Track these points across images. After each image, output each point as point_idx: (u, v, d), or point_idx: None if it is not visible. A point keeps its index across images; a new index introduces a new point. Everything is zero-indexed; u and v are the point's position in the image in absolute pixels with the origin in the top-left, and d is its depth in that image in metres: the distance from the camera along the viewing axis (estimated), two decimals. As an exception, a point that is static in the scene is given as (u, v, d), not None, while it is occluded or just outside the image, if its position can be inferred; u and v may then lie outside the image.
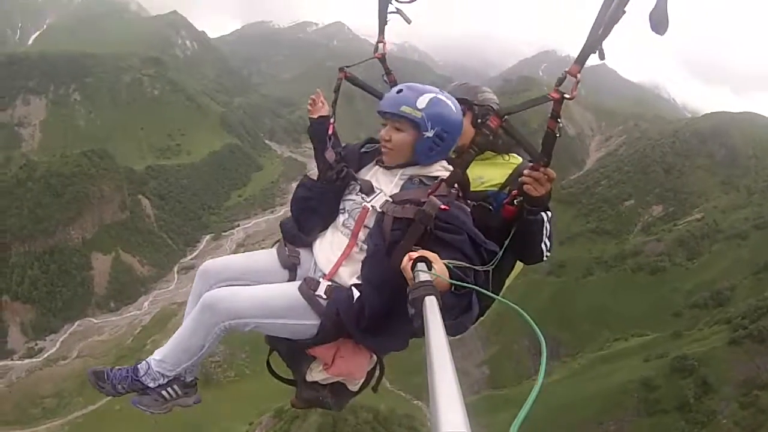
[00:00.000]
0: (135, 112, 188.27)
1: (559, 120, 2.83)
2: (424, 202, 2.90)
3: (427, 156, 3.14)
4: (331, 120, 3.76)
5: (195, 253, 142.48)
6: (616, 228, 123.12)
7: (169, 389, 3.24)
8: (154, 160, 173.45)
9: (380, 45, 3.88)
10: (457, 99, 3.22)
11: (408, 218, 2.92)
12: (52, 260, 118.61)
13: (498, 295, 3.08)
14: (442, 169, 3.19)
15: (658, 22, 2.37)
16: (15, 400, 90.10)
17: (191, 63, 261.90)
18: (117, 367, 3.26)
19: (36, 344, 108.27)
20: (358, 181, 3.30)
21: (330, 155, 3.51)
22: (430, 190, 3.00)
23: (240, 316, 2.96)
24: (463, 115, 3.31)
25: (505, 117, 3.04)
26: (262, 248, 3.66)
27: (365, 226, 3.14)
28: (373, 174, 3.34)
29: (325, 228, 3.39)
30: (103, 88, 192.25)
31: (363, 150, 3.55)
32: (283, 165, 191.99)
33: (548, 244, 3.44)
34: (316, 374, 3.26)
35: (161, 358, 3.16)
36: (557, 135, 2.90)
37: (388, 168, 3.24)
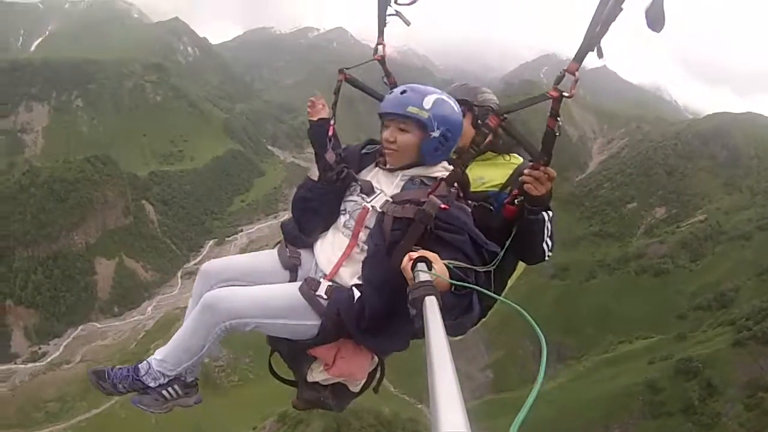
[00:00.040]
0: (138, 118, 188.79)
1: (558, 118, 2.82)
2: (425, 202, 2.90)
3: (432, 156, 3.14)
4: (332, 122, 3.75)
5: (198, 259, 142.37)
6: (619, 231, 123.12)
7: (169, 389, 3.23)
8: (157, 165, 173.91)
9: (380, 47, 3.88)
10: (457, 100, 3.22)
11: (408, 218, 2.91)
12: (55, 265, 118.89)
13: (500, 295, 3.09)
14: (443, 170, 3.19)
15: (655, 19, 2.37)
16: (18, 404, 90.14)
17: (193, 69, 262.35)
18: (118, 367, 3.26)
19: (39, 348, 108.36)
20: (359, 182, 3.29)
21: (330, 156, 3.50)
22: (430, 190, 3.00)
23: (240, 316, 2.96)
24: (463, 116, 3.31)
25: (504, 116, 3.05)
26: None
27: (366, 227, 3.13)
28: (373, 175, 3.34)
29: (326, 229, 3.38)
30: (106, 94, 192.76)
31: (363, 151, 3.55)
32: (286, 170, 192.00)
33: (550, 243, 3.43)
34: (316, 375, 3.25)
35: (162, 358, 3.16)
36: (557, 134, 2.89)
37: (390, 170, 3.24)
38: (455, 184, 3.07)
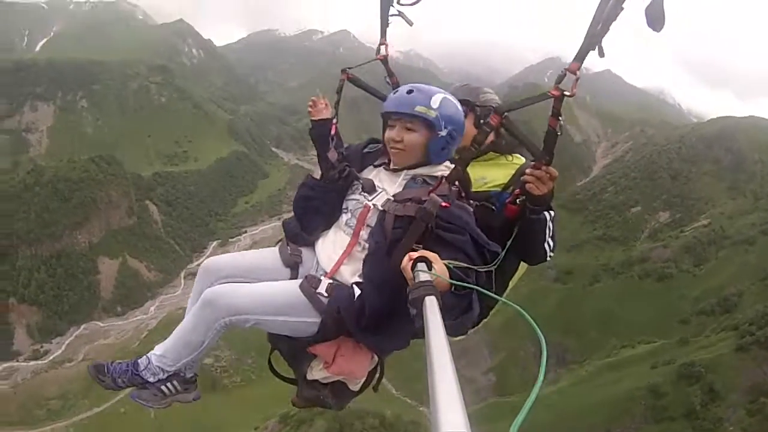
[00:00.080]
0: (142, 119, 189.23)
1: (560, 117, 2.82)
2: (426, 200, 2.90)
3: (439, 156, 3.15)
4: (334, 121, 3.77)
5: (202, 259, 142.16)
6: (623, 235, 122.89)
7: (168, 384, 3.25)
8: (162, 166, 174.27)
9: (382, 47, 3.88)
10: (459, 100, 3.23)
11: (409, 216, 2.91)
12: (59, 264, 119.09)
13: (502, 296, 3.09)
14: (445, 169, 3.18)
15: (655, 18, 2.37)
16: (20, 402, 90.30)
17: (198, 71, 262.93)
18: (117, 361, 3.28)
19: (42, 346, 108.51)
20: (361, 181, 3.30)
21: (332, 155, 3.53)
22: (431, 189, 3.00)
23: (240, 313, 2.96)
24: (465, 116, 3.32)
25: (505, 114, 3.07)
26: None
27: (367, 225, 3.14)
28: (375, 174, 3.35)
29: (328, 228, 3.39)
30: (111, 95, 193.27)
31: (365, 150, 3.57)
32: (290, 172, 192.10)
33: (551, 243, 3.41)
34: (316, 372, 3.24)
35: (162, 353, 3.17)
36: (559, 133, 2.89)
37: (394, 170, 3.25)
38: (456, 183, 3.06)
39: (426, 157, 3.15)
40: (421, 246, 2.77)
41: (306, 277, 3.13)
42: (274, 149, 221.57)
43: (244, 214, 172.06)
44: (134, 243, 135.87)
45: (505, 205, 3.37)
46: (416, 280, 2.32)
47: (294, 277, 3.30)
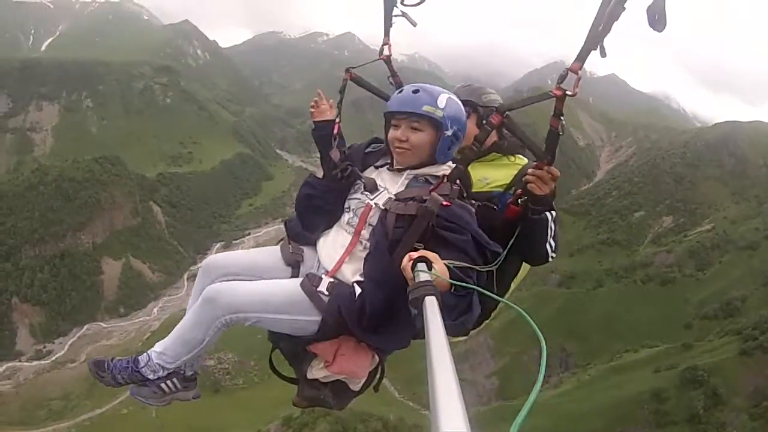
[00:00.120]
0: (147, 120, 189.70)
1: (561, 117, 2.82)
2: (427, 199, 2.90)
3: (445, 155, 3.16)
4: (337, 120, 3.76)
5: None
6: (626, 239, 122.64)
7: (168, 382, 3.25)
8: (166, 167, 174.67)
9: (386, 47, 3.86)
10: (461, 101, 3.23)
11: (411, 215, 2.91)
12: (62, 264, 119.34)
13: (504, 297, 3.08)
14: (447, 169, 3.17)
15: (657, 18, 2.37)
16: (22, 402, 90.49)
17: (203, 72, 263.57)
18: (118, 358, 3.28)
19: (44, 347, 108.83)
20: (363, 180, 3.29)
21: (335, 154, 3.51)
22: (432, 187, 3.00)
23: (241, 311, 2.96)
24: (468, 116, 3.33)
25: (507, 113, 3.07)
26: None
27: (369, 224, 3.13)
28: (378, 174, 3.35)
29: (330, 227, 3.37)
30: (116, 95, 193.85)
31: (368, 150, 3.55)
32: (294, 174, 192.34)
33: (553, 244, 3.39)
34: (316, 371, 3.23)
35: (162, 350, 3.18)
36: (560, 133, 2.89)
37: (397, 170, 3.24)
38: (458, 182, 3.06)
39: (431, 156, 3.14)
40: (422, 245, 2.77)
41: (307, 275, 3.12)
42: (278, 151, 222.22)
43: (248, 215, 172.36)
44: (138, 244, 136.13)
45: (507, 206, 3.38)
46: (416, 280, 2.31)
47: (295, 275, 3.30)
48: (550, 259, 3.49)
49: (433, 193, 2.92)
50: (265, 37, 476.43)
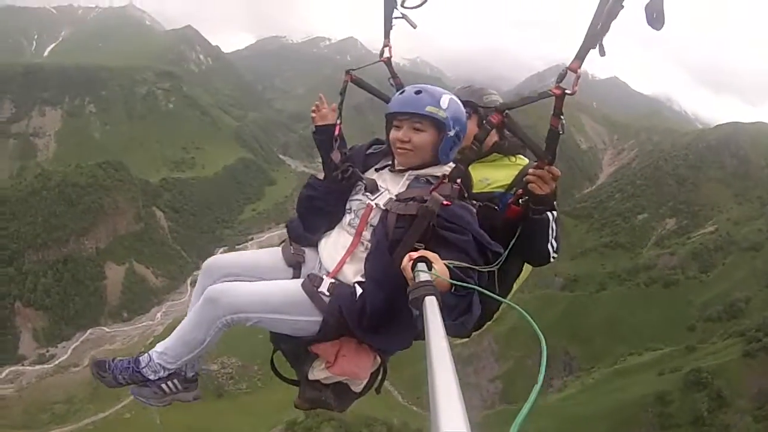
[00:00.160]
0: (150, 125, 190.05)
1: (561, 117, 2.82)
2: (428, 199, 2.91)
3: (446, 156, 3.16)
4: (338, 121, 3.76)
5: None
6: (629, 242, 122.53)
7: (169, 383, 3.26)
8: (169, 172, 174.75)
9: (386, 49, 3.87)
10: (462, 102, 3.24)
11: (411, 215, 2.91)
12: (65, 269, 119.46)
13: (505, 298, 3.08)
14: (449, 169, 3.16)
15: (655, 16, 2.38)
16: (24, 405, 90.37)
17: (206, 77, 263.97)
18: (119, 358, 3.29)
19: (47, 351, 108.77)
20: (364, 181, 3.30)
21: (336, 156, 3.52)
22: (432, 187, 3.01)
23: (242, 311, 2.96)
24: (468, 117, 3.33)
25: (506, 112, 3.07)
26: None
27: (370, 225, 3.13)
28: (379, 175, 3.35)
29: (331, 228, 3.38)
30: (118, 100, 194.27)
31: (369, 152, 3.56)
32: (297, 179, 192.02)
33: (555, 245, 3.40)
34: (318, 373, 3.23)
35: (163, 351, 3.18)
36: (561, 132, 2.90)
37: (399, 170, 3.25)
38: (459, 182, 3.06)
39: (433, 157, 3.15)
40: (422, 245, 2.77)
41: (308, 275, 3.13)
42: (281, 156, 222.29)
43: (251, 220, 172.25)
44: (141, 249, 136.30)
45: (508, 206, 3.38)
46: (416, 280, 2.31)
47: (296, 276, 3.30)
48: (551, 260, 3.49)
49: (434, 193, 2.92)
50: (267, 42, 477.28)
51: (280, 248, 3.51)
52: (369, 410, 63.73)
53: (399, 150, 3.15)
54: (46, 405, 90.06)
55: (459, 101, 3.18)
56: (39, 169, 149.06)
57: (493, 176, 3.69)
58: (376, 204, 3.15)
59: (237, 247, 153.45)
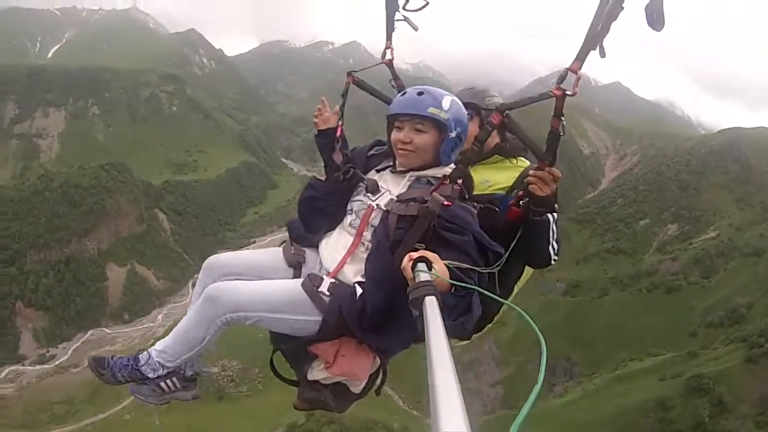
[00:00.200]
0: (153, 128, 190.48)
1: (562, 118, 2.82)
2: (428, 199, 2.91)
3: (448, 157, 3.17)
4: (339, 123, 3.75)
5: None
6: (631, 247, 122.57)
7: (168, 381, 3.26)
8: (171, 175, 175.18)
9: (388, 51, 3.89)
10: (464, 103, 3.24)
11: (412, 215, 2.92)
12: (67, 269, 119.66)
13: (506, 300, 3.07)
14: (450, 170, 3.16)
15: (655, 18, 2.38)
16: (24, 405, 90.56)
17: (209, 80, 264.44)
18: (118, 356, 3.29)
19: (48, 351, 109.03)
20: (365, 182, 3.30)
21: (337, 157, 3.52)
22: (433, 188, 3.01)
23: (242, 309, 2.96)
24: (470, 119, 3.34)
25: (506, 113, 3.08)
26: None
27: (371, 225, 3.13)
28: (380, 176, 3.35)
29: (332, 229, 3.38)
30: (122, 103, 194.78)
31: (370, 153, 3.56)
32: (299, 183, 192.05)
33: (556, 247, 3.38)
34: (317, 373, 3.23)
35: (162, 349, 3.19)
36: (561, 134, 2.90)
37: (400, 172, 3.25)
38: (459, 183, 3.07)
39: (434, 158, 3.15)
40: (423, 246, 2.77)
41: (308, 275, 3.13)
42: (283, 160, 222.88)
43: (254, 224, 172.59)
44: (143, 251, 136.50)
45: (509, 207, 3.36)
46: (416, 280, 2.31)
47: (297, 276, 3.30)
48: (552, 262, 3.47)
49: (435, 194, 2.93)
50: (270, 46, 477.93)
51: (280, 248, 3.50)
52: (369, 414, 63.68)
53: (400, 151, 3.16)
54: (46, 405, 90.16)
55: (461, 103, 3.19)
56: (42, 170, 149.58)
57: (494, 178, 3.69)
58: (377, 205, 3.15)
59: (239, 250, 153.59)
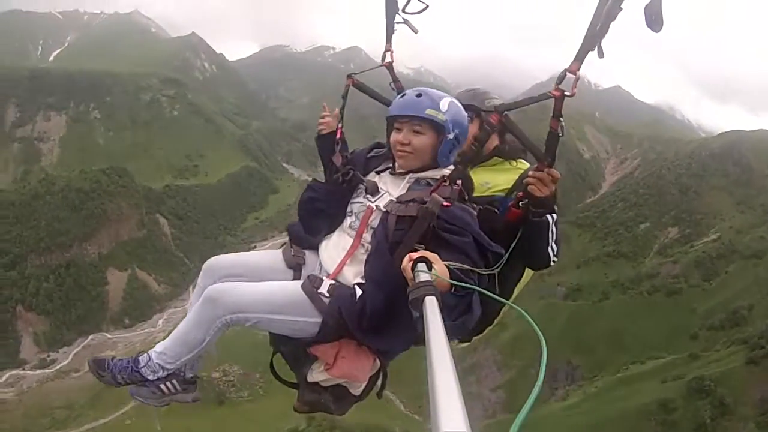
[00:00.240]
0: (154, 132, 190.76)
1: (561, 118, 2.82)
2: (428, 200, 2.91)
3: (447, 158, 3.17)
4: (339, 125, 3.76)
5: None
6: (632, 251, 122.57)
7: (167, 383, 3.25)
8: (172, 179, 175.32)
9: (388, 53, 3.90)
10: (464, 105, 3.24)
11: (412, 216, 2.92)
12: (67, 274, 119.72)
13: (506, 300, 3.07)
14: (449, 172, 3.17)
15: (654, 18, 2.38)
16: (25, 409, 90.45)
17: (210, 85, 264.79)
18: (118, 358, 3.28)
19: (48, 356, 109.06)
20: (364, 183, 3.31)
21: (337, 159, 3.53)
22: (432, 188, 3.02)
23: (241, 311, 2.96)
24: (470, 121, 3.34)
25: (505, 113, 3.07)
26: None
27: (370, 227, 3.14)
28: (380, 178, 3.35)
29: (332, 231, 3.39)
30: (123, 107, 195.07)
31: (370, 155, 3.56)
32: (300, 188, 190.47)
33: (555, 248, 3.37)
34: (317, 374, 3.23)
35: (162, 350, 3.18)
36: (560, 134, 2.90)
37: (399, 173, 3.25)
38: (459, 184, 3.07)
39: (433, 160, 3.15)
40: (422, 247, 2.77)
41: (308, 276, 3.14)
42: (284, 165, 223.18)
43: (254, 228, 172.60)
44: (143, 255, 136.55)
45: (508, 208, 3.36)
46: (416, 281, 2.31)
47: (297, 278, 3.30)
48: (551, 263, 3.46)
49: (434, 194, 2.93)
50: (271, 51, 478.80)
51: (280, 250, 3.51)
52: (371, 419, 63.59)
53: (399, 152, 3.17)
54: (47, 410, 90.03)
55: (460, 104, 3.19)
56: (43, 173, 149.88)
57: (493, 180, 3.69)
58: (376, 206, 3.16)
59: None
